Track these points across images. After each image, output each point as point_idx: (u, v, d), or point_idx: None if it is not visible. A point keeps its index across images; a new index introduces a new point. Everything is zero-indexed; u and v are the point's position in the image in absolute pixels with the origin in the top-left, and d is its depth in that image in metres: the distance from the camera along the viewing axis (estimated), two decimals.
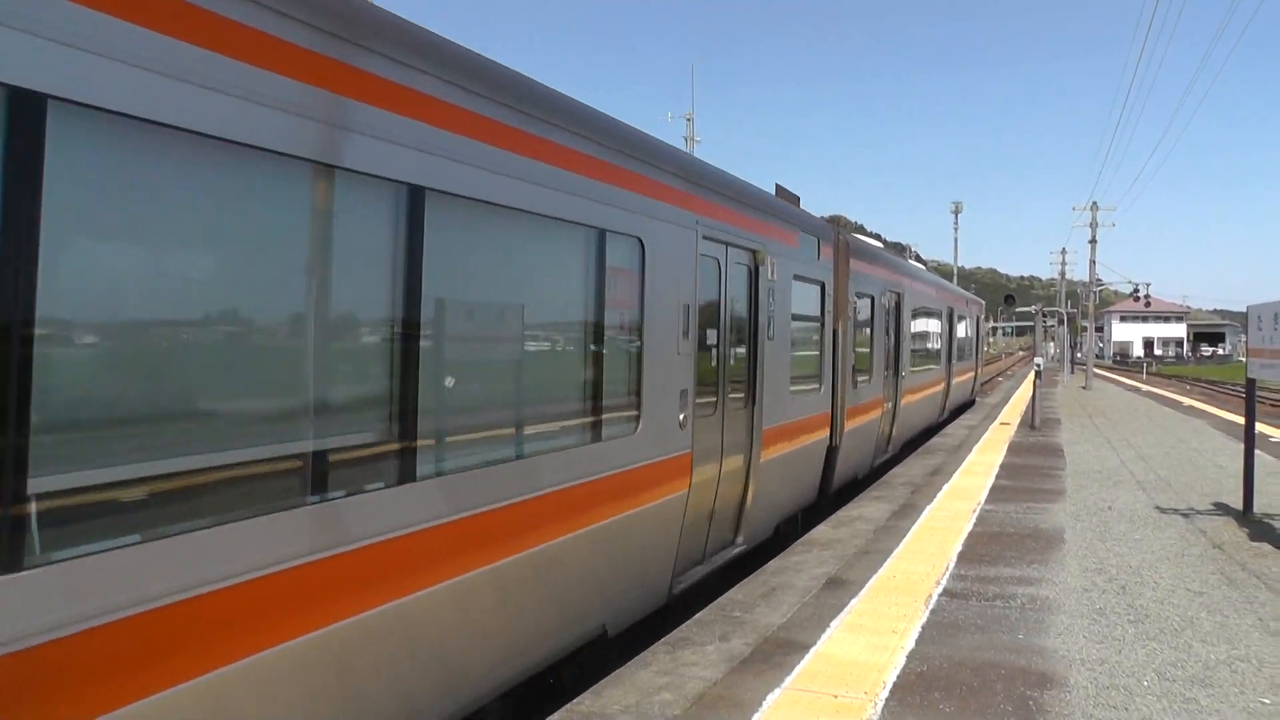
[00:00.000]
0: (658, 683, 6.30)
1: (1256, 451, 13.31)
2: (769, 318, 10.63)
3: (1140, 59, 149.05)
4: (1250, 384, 12.94)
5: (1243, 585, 9.04)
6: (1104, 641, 7.32)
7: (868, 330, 16.37)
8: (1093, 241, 53.61)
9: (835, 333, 13.85)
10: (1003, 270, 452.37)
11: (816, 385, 12.98)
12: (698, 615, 7.95)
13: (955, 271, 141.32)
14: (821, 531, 11.49)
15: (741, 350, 10.04)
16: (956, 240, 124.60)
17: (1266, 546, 10.71)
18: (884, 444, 18.37)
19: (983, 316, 37.77)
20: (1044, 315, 45.42)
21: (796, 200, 13.47)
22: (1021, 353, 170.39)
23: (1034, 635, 7.44)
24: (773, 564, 9.84)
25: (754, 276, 10.26)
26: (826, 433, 13.39)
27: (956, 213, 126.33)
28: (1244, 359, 13.76)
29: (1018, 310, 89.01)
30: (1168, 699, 6.18)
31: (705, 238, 8.82)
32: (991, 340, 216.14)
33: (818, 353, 13.19)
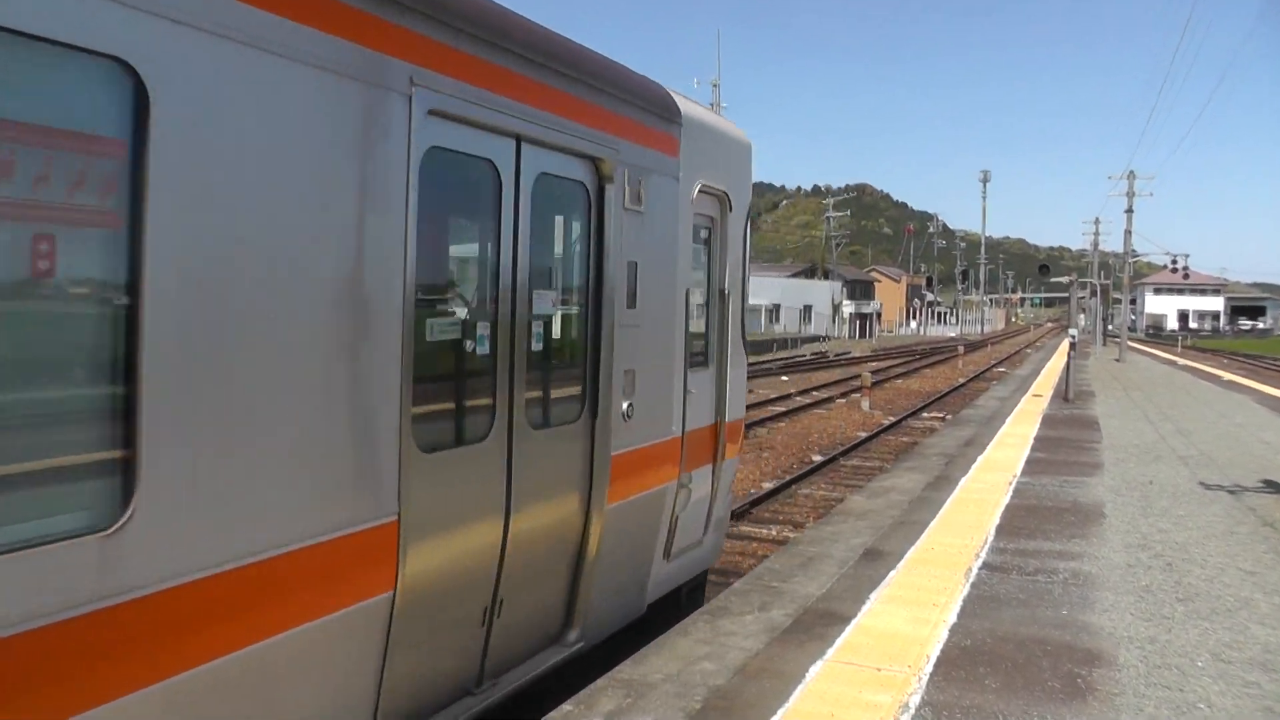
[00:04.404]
0: (699, 652, 6.19)
1: None
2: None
3: (1187, 25, 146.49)
4: None
5: None
6: (1152, 619, 7.14)
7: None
8: (1129, 211, 52.89)
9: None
10: (1032, 241, 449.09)
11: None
12: (735, 585, 7.84)
13: (983, 241, 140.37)
14: (856, 502, 11.36)
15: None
16: (985, 209, 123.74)
17: None
18: None
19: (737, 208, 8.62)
20: (1078, 286, 44.87)
21: None
22: (1050, 324, 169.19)
23: (1078, 611, 7.28)
24: (808, 533, 9.72)
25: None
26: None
27: (985, 181, 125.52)
28: None
29: (1050, 281, 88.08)
30: (1225, 681, 5.99)
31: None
32: (1019, 312, 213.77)
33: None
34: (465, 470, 5.21)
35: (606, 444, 6.41)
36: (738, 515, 13.91)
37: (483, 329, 5.36)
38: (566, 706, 5.34)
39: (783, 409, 27.55)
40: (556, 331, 6.20)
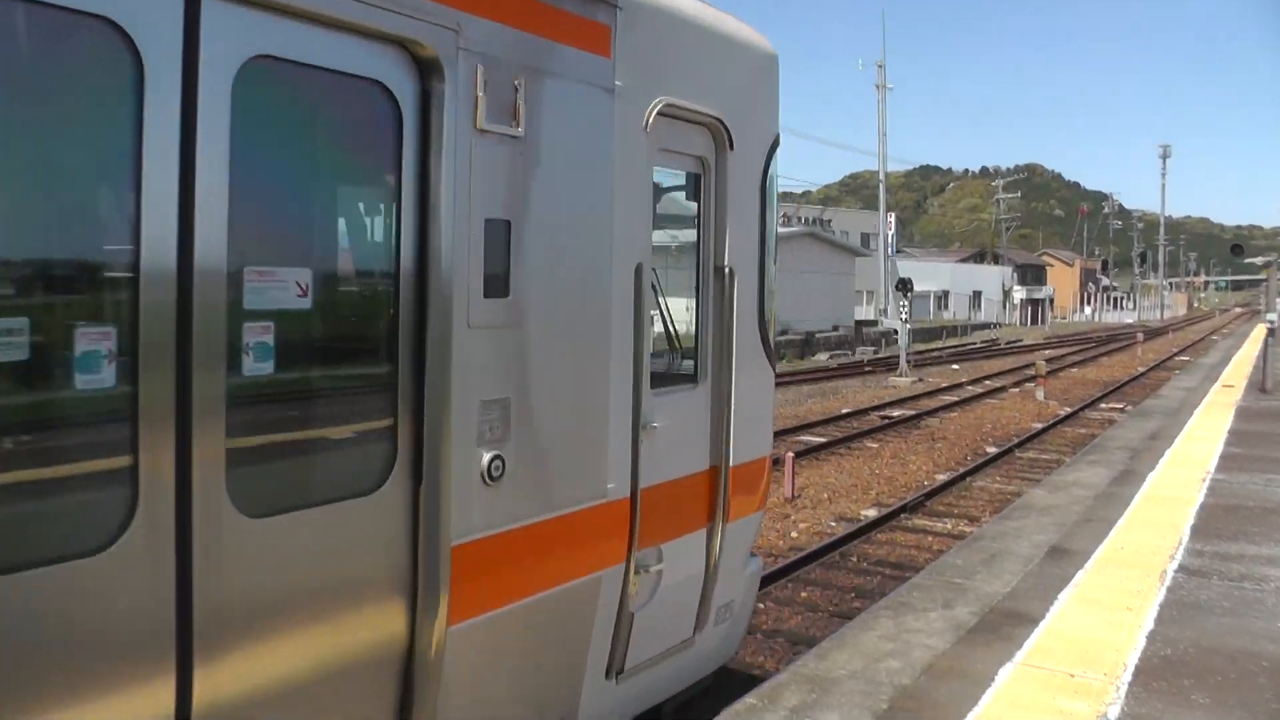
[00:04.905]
0: (883, 648, 6.07)
1: None
2: None
3: None
4: None
5: None
6: None
7: None
8: None
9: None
10: (1217, 219, 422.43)
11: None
12: (915, 579, 7.67)
13: (1162, 221, 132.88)
14: (1037, 496, 10.94)
15: None
16: (1164, 187, 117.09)
17: None
18: None
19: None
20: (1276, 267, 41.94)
21: None
22: (1238, 310, 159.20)
23: None
24: (988, 528, 9.42)
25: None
26: None
27: (1164, 158, 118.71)
28: None
29: (1239, 262, 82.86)
30: None
31: None
32: (1202, 296, 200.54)
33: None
34: (55, 609, 2.92)
35: (441, 525, 4.04)
36: (910, 509, 13.62)
37: (101, 341, 3.05)
38: (749, 699, 5.30)
39: (954, 399, 26.91)
40: (312, 338, 3.86)
